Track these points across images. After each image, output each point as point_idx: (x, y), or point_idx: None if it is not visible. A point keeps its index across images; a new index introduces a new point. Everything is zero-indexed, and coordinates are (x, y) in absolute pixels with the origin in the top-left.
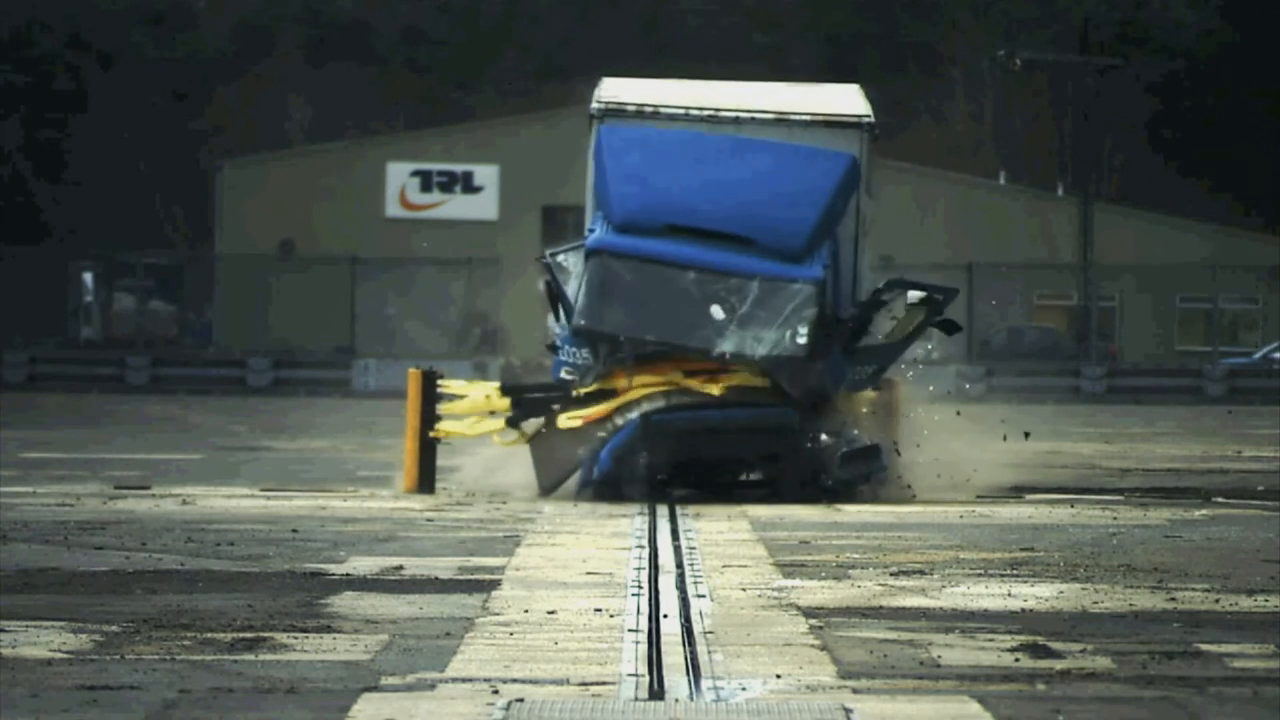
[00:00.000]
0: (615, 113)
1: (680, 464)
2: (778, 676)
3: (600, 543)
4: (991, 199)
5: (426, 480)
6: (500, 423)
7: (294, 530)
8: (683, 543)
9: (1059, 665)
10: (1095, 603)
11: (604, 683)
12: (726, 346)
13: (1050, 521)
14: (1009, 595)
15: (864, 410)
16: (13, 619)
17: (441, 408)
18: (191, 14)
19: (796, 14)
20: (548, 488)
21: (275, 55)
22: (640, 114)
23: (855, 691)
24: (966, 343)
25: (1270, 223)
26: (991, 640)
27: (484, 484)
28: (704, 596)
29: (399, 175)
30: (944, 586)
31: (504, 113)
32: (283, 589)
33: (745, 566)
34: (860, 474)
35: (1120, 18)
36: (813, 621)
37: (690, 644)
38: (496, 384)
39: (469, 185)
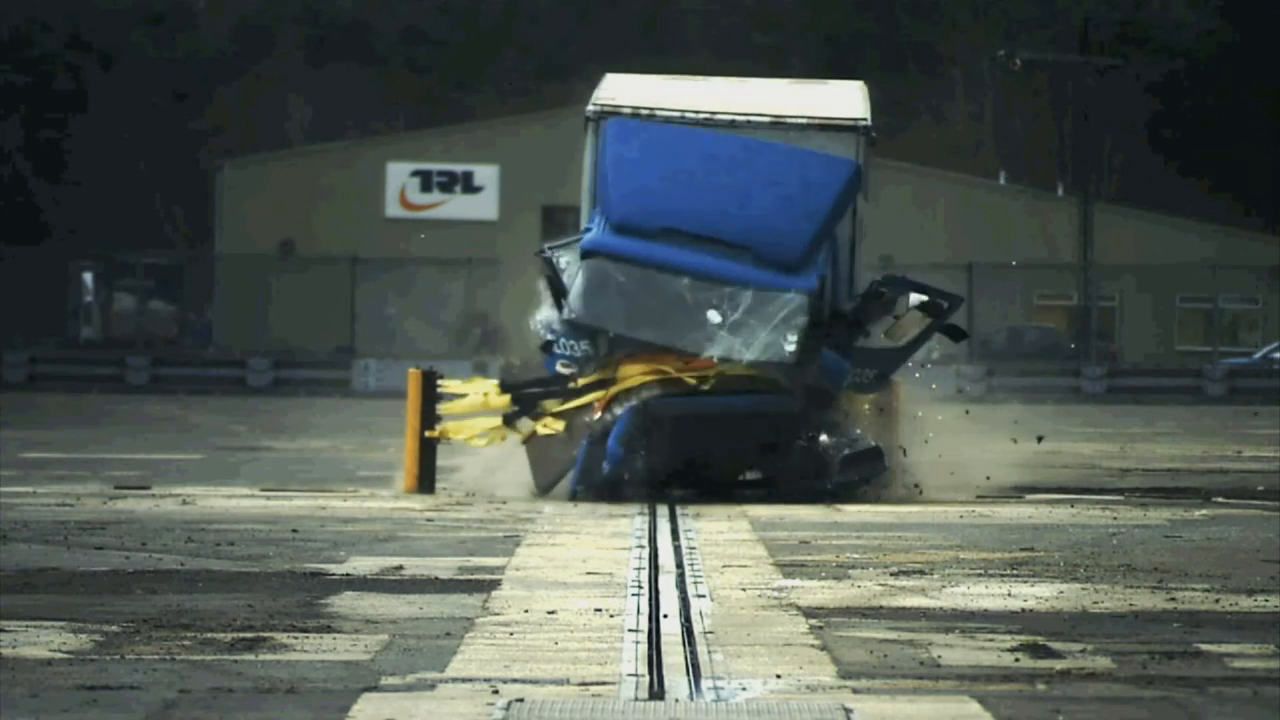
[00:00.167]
0: (611, 115)
1: (680, 453)
2: (778, 676)
3: (600, 543)
4: (991, 199)
5: (426, 480)
6: (497, 420)
7: (294, 530)
8: (683, 543)
9: (1059, 665)
10: (1095, 603)
11: (604, 683)
12: (715, 351)
13: (1050, 521)
14: (1009, 595)
15: (866, 409)
16: (13, 619)
17: (441, 408)
18: (191, 14)
19: (796, 14)
20: (544, 487)
21: (275, 55)
22: (636, 116)
23: (855, 691)
24: (967, 342)
25: (1270, 223)
26: (991, 640)
27: (484, 484)
28: (704, 596)
29: (399, 175)
30: (944, 586)
31: (504, 113)
32: (283, 589)
33: (745, 566)
34: (861, 477)
35: (1120, 18)
36: (813, 621)
37: (690, 644)
38: (495, 382)
39: (469, 185)
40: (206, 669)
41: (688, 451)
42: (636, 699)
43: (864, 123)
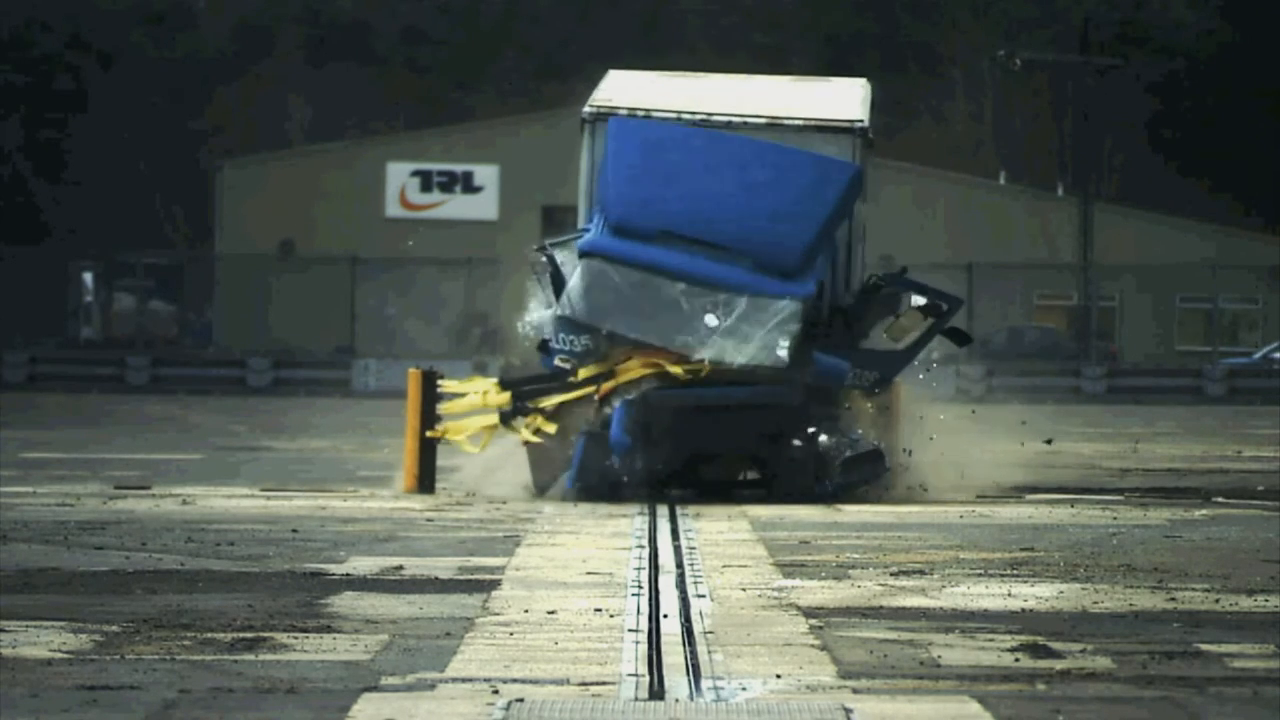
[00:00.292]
0: (609, 116)
1: (681, 444)
2: (778, 676)
3: (600, 543)
4: (991, 199)
5: (426, 480)
6: (492, 419)
7: (294, 530)
8: (683, 543)
9: (1059, 665)
10: (1095, 603)
11: (604, 683)
12: (708, 354)
13: (1050, 521)
14: (1009, 595)
15: (868, 409)
16: (13, 619)
17: (441, 407)
18: (191, 14)
19: (796, 14)
20: (543, 486)
21: (275, 55)
22: (634, 117)
23: (855, 691)
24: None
25: (1270, 223)
26: (991, 640)
27: (484, 484)
28: (704, 596)
29: (399, 175)
30: (944, 586)
31: (504, 113)
32: (283, 589)
33: (745, 566)
34: (862, 478)
35: (1120, 18)
36: (813, 621)
37: (690, 644)
38: (494, 380)
39: (469, 185)
40: (206, 669)
41: (688, 443)
42: (636, 699)
43: (860, 124)
